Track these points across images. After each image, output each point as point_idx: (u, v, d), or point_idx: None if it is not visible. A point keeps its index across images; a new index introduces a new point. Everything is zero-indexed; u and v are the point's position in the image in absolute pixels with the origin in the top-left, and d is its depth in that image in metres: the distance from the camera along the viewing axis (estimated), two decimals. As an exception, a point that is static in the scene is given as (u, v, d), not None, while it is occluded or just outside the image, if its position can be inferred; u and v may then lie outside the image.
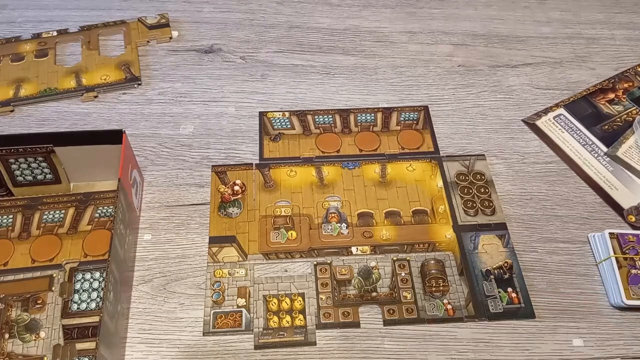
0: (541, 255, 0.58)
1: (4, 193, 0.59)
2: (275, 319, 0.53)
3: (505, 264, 0.57)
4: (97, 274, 0.54)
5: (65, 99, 0.70)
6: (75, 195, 0.59)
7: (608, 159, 0.66)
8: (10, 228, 0.57)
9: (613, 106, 0.72)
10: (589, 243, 0.59)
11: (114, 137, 0.54)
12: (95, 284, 0.53)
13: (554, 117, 0.70)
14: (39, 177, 0.58)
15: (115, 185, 0.52)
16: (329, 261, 0.57)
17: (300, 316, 0.53)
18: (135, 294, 0.54)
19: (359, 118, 0.69)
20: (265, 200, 0.61)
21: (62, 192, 0.60)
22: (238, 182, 0.62)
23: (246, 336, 0.52)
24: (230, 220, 0.60)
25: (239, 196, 0.61)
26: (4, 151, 0.55)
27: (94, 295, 0.53)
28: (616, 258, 0.56)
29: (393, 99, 0.72)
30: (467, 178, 0.64)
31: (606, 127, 0.69)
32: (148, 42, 0.77)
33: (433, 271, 0.56)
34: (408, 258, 0.57)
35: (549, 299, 0.55)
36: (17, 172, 0.58)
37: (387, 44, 0.79)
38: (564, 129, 0.69)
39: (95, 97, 0.70)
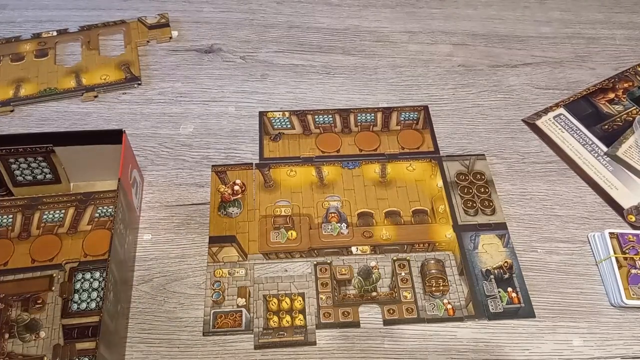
0: (541, 255, 0.58)
1: (4, 193, 0.59)
2: (275, 318, 0.53)
3: (505, 264, 0.57)
4: (97, 274, 0.54)
5: (65, 99, 0.70)
6: (75, 195, 0.59)
7: (608, 159, 0.66)
8: (10, 228, 0.57)
9: (613, 106, 0.72)
10: (589, 243, 0.59)
11: (114, 137, 0.54)
12: (95, 284, 0.53)
13: (554, 117, 0.70)
14: (39, 177, 0.58)
15: (115, 185, 0.52)
16: (329, 261, 0.57)
17: (300, 316, 0.53)
18: (135, 294, 0.54)
19: (359, 118, 0.69)
20: (265, 200, 0.61)
21: (62, 192, 0.60)
22: (238, 182, 0.62)
23: (246, 336, 0.52)
24: (230, 220, 0.60)
25: (239, 196, 0.61)
26: (4, 151, 0.55)
27: (94, 295, 0.53)
28: (616, 258, 0.56)
29: (393, 99, 0.72)
30: (467, 178, 0.64)
31: (606, 127, 0.69)
32: (148, 42, 0.77)
33: (433, 271, 0.56)
34: (408, 258, 0.57)
35: (549, 298, 0.55)
36: (17, 172, 0.58)
37: (387, 44, 0.79)
38: (564, 128, 0.69)
39: (95, 97, 0.70)
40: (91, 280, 0.54)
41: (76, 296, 0.53)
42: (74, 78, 0.71)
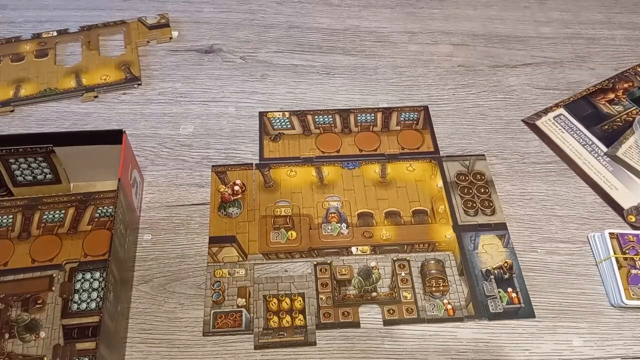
0: (541, 255, 0.58)
1: (4, 193, 0.59)
2: (275, 319, 0.53)
3: (505, 264, 0.57)
4: (97, 274, 0.54)
5: (65, 99, 0.70)
6: (75, 195, 0.59)
7: (608, 159, 0.66)
8: (10, 228, 0.57)
9: (613, 106, 0.72)
10: (589, 243, 0.59)
11: (114, 137, 0.54)
12: (95, 284, 0.53)
13: (554, 117, 0.70)
14: (39, 177, 0.58)
15: (115, 185, 0.52)
16: (329, 261, 0.57)
17: (300, 316, 0.53)
18: (135, 294, 0.54)
19: (359, 118, 0.69)
20: (265, 200, 0.61)
21: (62, 192, 0.60)
22: (238, 182, 0.62)
23: (246, 336, 0.52)
24: (230, 220, 0.60)
25: (239, 196, 0.61)
26: (4, 151, 0.55)
27: (94, 295, 0.53)
28: (616, 258, 0.56)
29: (393, 99, 0.72)
30: (467, 178, 0.64)
31: (606, 127, 0.69)
32: (148, 42, 0.77)
33: (433, 271, 0.56)
34: (408, 258, 0.57)
35: (549, 299, 0.55)
36: (17, 172, 0.58)
37: (387, 44, 0.79)
38: (564, 129, 0.69)
39: (95, 97, 0.70)
40: (91, 280, 0.54)
41: (76, 296, 0.53)
42: (74, 78, 0.71)
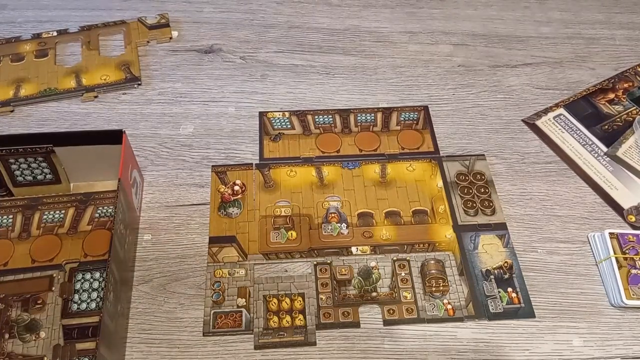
0: (541, 255, 0.58)
1: (4, 193, 0.59)
2: (275, 319, 0.53)
3: (505, 264, 0.57)
4: (97, 274, 0.54)
5: (65, 99, 0.70)
6: (75, 195, 0.59)
7: (608, 159, 0.66)
8: (10, 228, 0.57)
9: (613, 106, 0.72)
10: (589, 243, 0.59)
11: (114, 137, 0.54)
12: (95, 284, 0.53)
13: (554, 117, 0.70)
14: (39, 177, 0.58)
15: (115, 185, 0.52)
16: (329, 261, 0.57)
17: (300, 316, 0.53)
18: (135, 294, 0.54)
19: (359, 118, 0.69)
20: (265, 200, 0.61)
21: (62, 192, 0.60)
22: (238, 182, 0.62)
23: (246, 336, 0.52)
24: (230, 220, 0.60)
25: (239, 196, 0.61)
26: (4, 151, 0.55)
27: (94, 295, 0.53)
28: (616, 258, 0.56)
29: (393, 99, 0.72)
30: (467, 178, 0.64)
31: (606, 127, 0.69)
32: (148, 42, 0.77)
33: (433, 271, 0.56)
34: (408, 258, 0.57)
35: (549, 299, 0.55)
36: (17, 172, 0.58)
37: (387, 44, 0.79)
38: (564, 129, 0.69)
39: (95, 97, 0.70)
40: (91, 280, 0.54)
41: (76, 296, 0.53)
42: (74, 78, 0.71)
